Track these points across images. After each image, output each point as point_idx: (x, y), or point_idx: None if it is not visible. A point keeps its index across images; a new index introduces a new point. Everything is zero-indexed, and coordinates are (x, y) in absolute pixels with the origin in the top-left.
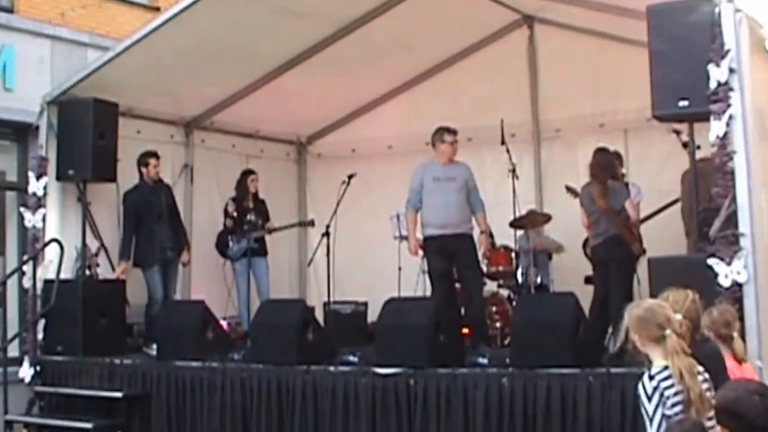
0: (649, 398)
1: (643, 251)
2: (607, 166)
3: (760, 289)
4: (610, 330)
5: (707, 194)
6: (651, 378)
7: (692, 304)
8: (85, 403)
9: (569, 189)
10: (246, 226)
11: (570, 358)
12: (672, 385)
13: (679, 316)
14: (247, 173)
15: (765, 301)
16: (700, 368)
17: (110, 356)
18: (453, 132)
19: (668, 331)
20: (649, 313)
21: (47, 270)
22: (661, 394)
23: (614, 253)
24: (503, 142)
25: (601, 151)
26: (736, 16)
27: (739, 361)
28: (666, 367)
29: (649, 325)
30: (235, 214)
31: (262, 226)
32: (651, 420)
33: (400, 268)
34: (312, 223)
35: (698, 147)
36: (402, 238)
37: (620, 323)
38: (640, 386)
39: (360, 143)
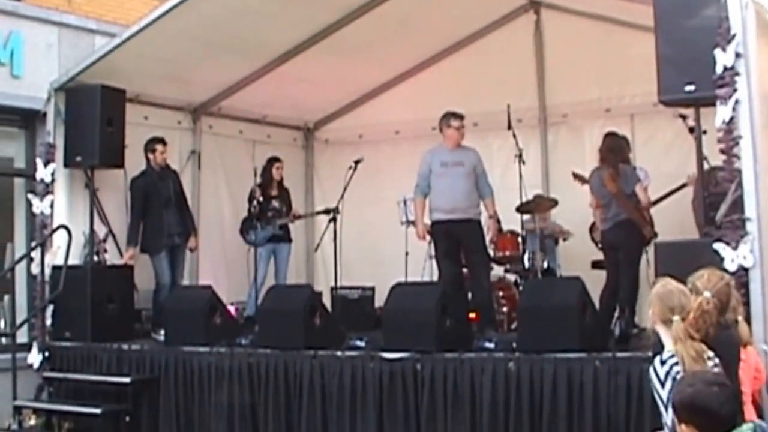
0: (662, 383)
1: (655, 234)
2: (617, 150)
3: (766, 274)
4: (616, 314)
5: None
6: (663, 363)
7: (725, 287)
8: (93, 389)
9: (576, 176)
10: (271, 213)
11: (576, 342)
12: (680, 371)
13: (708, 294)
14: (273, 161)
15: None
16: (711, 353)
17: (118, 342)
18: (459, 117)
19: (676, 317)
20: (667, 294)
21: (55, 256)
22: (674, 378)
23: (624, 237)
24: (510, 127)
25: (611, 135)
26: (742, 0)
27: (743, 345)
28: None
29: (662, 305)
30: (261, 199)
31: (286, 213)
32: (666, 406)
33: (407, 253)
34: (337, 211)
35: (704, 132)
36: (409, 223)
37: (627, 308)
38: (651, 370)
39: (367, 129)
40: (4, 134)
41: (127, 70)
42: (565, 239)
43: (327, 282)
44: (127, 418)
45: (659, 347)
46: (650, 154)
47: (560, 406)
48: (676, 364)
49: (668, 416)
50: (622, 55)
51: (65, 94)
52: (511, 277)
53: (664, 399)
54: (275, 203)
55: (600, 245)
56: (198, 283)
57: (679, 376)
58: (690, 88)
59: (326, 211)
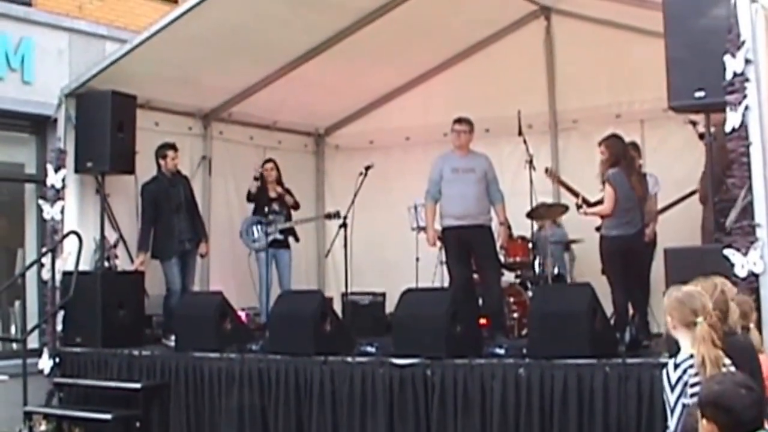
0: (672, 387)
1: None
2: (628, 154)
3: None
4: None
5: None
6: (676, 366)
7: (721, 295)
8: (103, 395)
9: (549, 172)
10: (270, 216)
11: (586, 348)
12: (695, 374)
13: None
14: (263, 163)
15: None
16: (727, 361)
17: (129, 347)
18: (460, 120)
19: (700, 319)
20: (687, 297)
21: (66, 262)
22: (685, 383)
23: (645, 243)
24: (520, 133)
25: (618, 137)
26: (752, 7)
27: None
28: (692, 356)
29: (684, 308)
30: (254, 206)
31: (287, 217)
32: (672, 410)
33: (417, 259)
34: (338, 215)
35: (714, 138)
36: (420, 229)
37: (638, 314)
38: (664, 374)
39: (378, 134)
40: (15, 140)
41: (137, 75)
42: (573, 241)
43: (338, 288)
44: (138, 424)
45: (676, 349)
46: (660, 160)
47: (570, 412)
48: (691, 367)
49: (673, 420)
50: (633, 61)
51: (76, 99)
52: (519, 281)
53: (672, 403)
54: (275, 206)
55: (609, 250)
56: (208, 289)
57: (692, 380)
58: (700, 94)
59: (328, 216)
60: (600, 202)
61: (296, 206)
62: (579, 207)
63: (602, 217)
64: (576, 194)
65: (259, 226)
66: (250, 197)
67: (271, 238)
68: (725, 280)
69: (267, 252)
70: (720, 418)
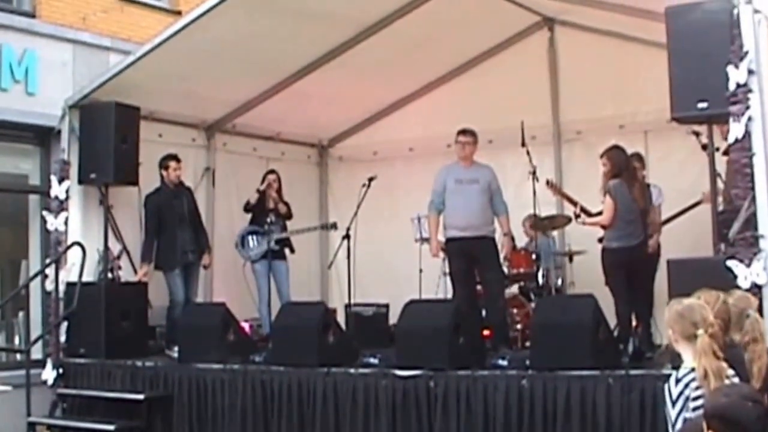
0: (674, 403)
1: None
2: (630, 165)
3: None
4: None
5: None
6: (677, 381)
7: (723, 306)
8: (107, 405)
9: (549, 183)
10: (266, 226)
11: (589, 360)
12: (697, 388)
13: (710, 318)
14: (267, 173)
15: None
16: (731, 372)
17: (132, 358)
18: (464, 132)
19: (700, 331)
20: (688, 310)
21: (70, 273)
22: (686, 398)
23: (647, 254)
24: (524, 144)
25: (620, 149)
26: (755, 17)
27: None
28: (693, 369)
29: (684, 321)
30: (250, 216)
31: (282, 228)
32: (674, 424)
33: (421, 270)
34: (335, 226)
35: (717, 149)
36: (423, 240)
37: (642, 325)
38: (666, 388)
39: (381, 146)
40: (19, 151)
41: (141, 87)
42: (577, 252)
43: (341, 299)
44: None
45: (679, 362)
46: (664, 171)
47: (573, 424)
48: (693, 380)
49: None
50: (636, 72)
51: (80, 111)
52: (521, 292)
53: (673, 418)
54: (272, 217)
55: (610, 262)
56: (211, 300)
57: (694, 394)
58: (703, 105)
59: (323, 227)
60: (601, 213)
61: (289, 216)
62: (577, 216)
63: (603, 228)
64: (575, 204)
65: (254, 236)
66: (247, 207)
67: (265, 248)
68: (746, 293)
69: (270, 262)
70: (725, 429)
